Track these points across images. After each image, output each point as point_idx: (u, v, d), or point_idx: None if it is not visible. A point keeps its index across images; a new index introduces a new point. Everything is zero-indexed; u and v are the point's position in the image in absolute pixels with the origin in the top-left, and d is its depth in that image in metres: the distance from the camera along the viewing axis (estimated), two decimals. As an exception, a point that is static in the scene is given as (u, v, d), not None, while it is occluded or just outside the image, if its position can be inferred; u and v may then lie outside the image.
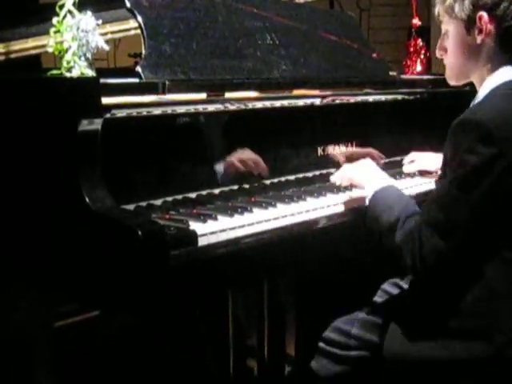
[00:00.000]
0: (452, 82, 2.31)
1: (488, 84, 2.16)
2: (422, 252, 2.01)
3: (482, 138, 1.96)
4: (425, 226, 2.03)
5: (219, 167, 2.44)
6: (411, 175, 3.01)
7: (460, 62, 2.23)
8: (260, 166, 2.57)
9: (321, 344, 2.47)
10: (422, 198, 2.64)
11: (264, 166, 2.59)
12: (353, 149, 2.97)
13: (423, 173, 2.97)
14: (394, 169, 3.12)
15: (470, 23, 2.15)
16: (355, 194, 2.51)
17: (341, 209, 2.47)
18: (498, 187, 1.96)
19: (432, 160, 2.91)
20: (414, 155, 3.03)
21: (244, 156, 2.52)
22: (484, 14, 2.12)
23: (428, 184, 2.86)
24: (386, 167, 3.09)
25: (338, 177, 2.54)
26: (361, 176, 2.42)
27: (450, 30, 2.22)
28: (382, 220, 2.18)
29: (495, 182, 1.96)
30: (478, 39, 2.15)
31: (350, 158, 2.91)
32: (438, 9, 2.25)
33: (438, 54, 2.31)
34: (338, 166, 2.87)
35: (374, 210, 2.24)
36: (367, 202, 2.29)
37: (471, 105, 2.19)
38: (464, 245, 2.00)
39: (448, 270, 2.05)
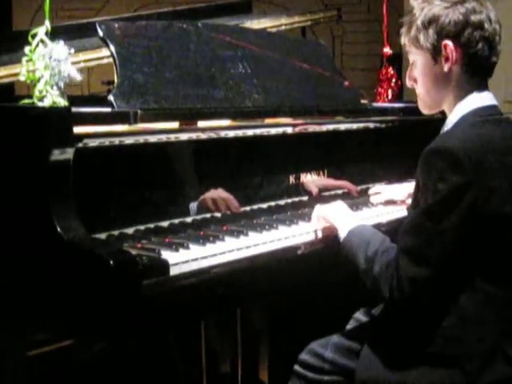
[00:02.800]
0: (425, 111, 2.30)
1: (457, 111, 2.17)
2: (400, 282, 2.02)
3: (451, 166, 1.96)
4: (401, 255, 2.04)
5: (191, 196, 2.45)
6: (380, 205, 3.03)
7: (430, 90, 2.22)
8: (232, 197, 2.57)
9: (296, 366, 2.47)
10: (393, 225, 2.67)
11: (235, 196, 2.59)
12: (325, 177, 2.98)
13: (389, 203, 2.97)
14: (366, 196, 3.14)
15: (435, 52, 2.15)
16: (324, 224, 2.51)
17: (313, 237, 2.47)
18: (468, 217, 1.97)
19: (397, 191, 2.97)
20: (379, 188, 3.06)
21: (216, 186, 2.52)
22: (449, 43, 2.12)
23: (399, 211, 2.86)
24: (357, 195, 3.12)
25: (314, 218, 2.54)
26: (334, 215, 2.43)
27: (417, 60, 2.22)
28: (359, 256, 2.19)
29: (465, 212, 1.96)
30: (446, 67, 2.14)
31: (322, 186, 2.93)
32: (403, 39, 2.25)
33: (408, 84, 2.31)
34: (309, 194, 2.89)
35: (351, 248, 2.25)
36: (342, 241, 2.31)
37: (441, 132, 2.20)
38: (438, 273, 2.01)
39: (423, 298, 2.06)
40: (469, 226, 1.98)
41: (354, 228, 2.30)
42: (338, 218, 2.41)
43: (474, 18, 2.11)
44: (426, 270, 2.00)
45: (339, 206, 2.49)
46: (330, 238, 2.44)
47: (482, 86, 2.18)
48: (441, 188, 1.97)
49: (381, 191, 3.02)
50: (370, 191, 3.06)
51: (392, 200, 2.95)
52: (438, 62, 2.16)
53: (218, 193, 2.52)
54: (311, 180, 2.91)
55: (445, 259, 2.00)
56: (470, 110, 2.14)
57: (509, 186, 2.03)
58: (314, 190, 2.92)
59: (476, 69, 2.15)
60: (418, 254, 2.01)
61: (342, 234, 2.31)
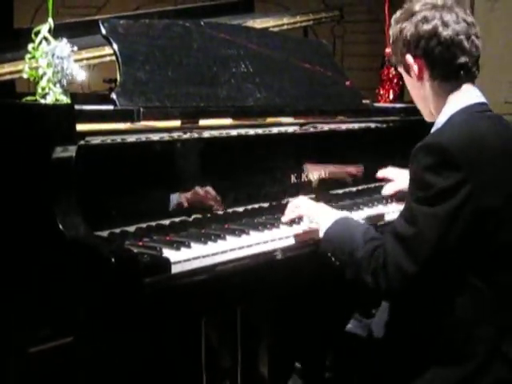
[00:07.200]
0: (428, 120, 2.33)
1: (446, 111, 2.19)
2: (386, 267, 2.02)
3: (445, 161, 1.99)
4: (391, 241, 2.04)
5: (193, 194, 2.45)
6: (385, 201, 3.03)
7: (418, 102, 2.31)
8: (233, 193, 2.58)
9: (297, 364, 2.49)
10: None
11: (236, 195, 2.60)
12: (326, 176, 2.98)
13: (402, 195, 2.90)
14: (367, 196, 3.15)
15: (406, 67, 2.23)
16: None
17: (313, 235, 2.47)
18: (462, 210, 1.98)
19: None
20: (390, 171, 3.02)
21: (218, 184, 2.53)
22: (408, 57, 2.19)
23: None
24: (359, 195, 3.13)
25: (289, 211, 2.56)
26: (315, 209, 2.45)
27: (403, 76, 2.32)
28: (343, 244, 2.20)
29: (460, 205, 1.98)
30: (416, 79, 2.21)
31: (323, 185, 2.93)
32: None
33: None
34: (311, 192, 2.89)
35: (333, 238, 2.25)
36: (323, 234, 2.30)
37: (431, 132, 2.22)
38: (429, 263, 2.00)
39: (409, 289, 2.05)
40: (461, 219, 1.99)
41: (338, 219, 2.29)
42: (318, 211, 2.43)
43: (425, 27, 2.16)
44: (414, 258, 1.99)
45: (317, 204, 2.52)
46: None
47: (462, 86, 2.20)
48: (435, 181, 1.99)
49: (393, 177, 2.98)
50: (380, 173, 3.03)
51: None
52: (410, 75, 2.24)
53: (218, 191, 2.53)
54: (312, 179, 2.91)
55: (437, 247, 1.99)
56: (457, 110, 2.16)
57: (501, 181, 2.05)
58: (315, 189, 2.93)
59: (445, 72, 2.18)
60: (410, 240, 2.00)
61: (326, 225, 2.30)
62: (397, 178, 2.95)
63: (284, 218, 2.54)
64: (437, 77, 2.18)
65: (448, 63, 2.16)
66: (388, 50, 3.61)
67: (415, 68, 2.19)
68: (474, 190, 1.98)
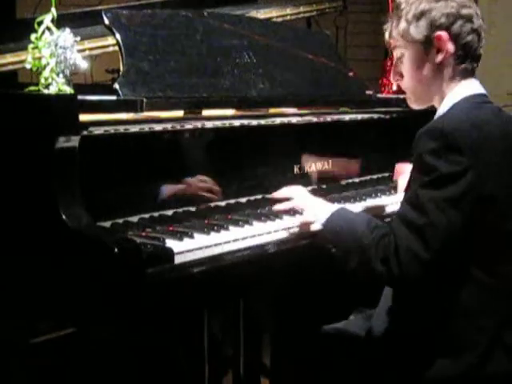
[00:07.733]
0: (414, 106, 2.34)
1: (449, 100, 2.20)
2: (398, 252, 2.01)
3: (448, 145, 1.99)
4: (400, 226, 2.04)
5: (195, 185, 2.45)
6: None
7: (420, 83, 2.25)
8: (236, 183, 2.57)
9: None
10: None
11: (239, 186, 2.60)
12: (329, 167, 2.98)
13: None
14: (370, 186, 3.14)
15: (427, 44, 2.19)
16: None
17: (316, 227, 2.47)
18: (466, 196, 1.99)
19: None
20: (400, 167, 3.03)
21: (220, 175, 2.53)
22: (442, 34, 2.16)
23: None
24: (362, 185, 3.13)
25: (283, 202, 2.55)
26: (310, 202, 2.46)
27: (406, 53, 2.25)
28: (345, 235, 2.20)
29: (464, 191, 1.99)
30: (438, 58, 2.18)
31: (326, 176, 2.93)
32: (389, 34, 2.31)
33: (393, 79, 2.38)
34: (313, 183, 2.89)
35: (334, 229, 2.26)
36: (322, 225, 2.31)
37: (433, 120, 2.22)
38: (442, 249, 1.99)
39: (419, 271, 2.02)
40: (466, 204, 1.99)
41: (336, 210, 2.30)
42: (314, 204, 2.43)
43: (464, 11, 2.17)
44: (427, 250, 1.99)
45: (313, 197, 2.53)
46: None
47: (470, 76, 2.22)
48: (440, 166, 1.99)
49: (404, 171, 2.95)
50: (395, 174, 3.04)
51: None
52: (429, 54, 2.20)
53: (221, 182, 2.53)
54: (315, 170, 2.91)
55: (446, 239, 1.99)
56: (461, 98, 2.18)
57: (502, 171, 2.06)
58: (318, 180, 2.92)
59: (466, 59, 2.20)
60: (418, 225, 2.00)
61: (324, 216, 2.30)
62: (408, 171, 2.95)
63: (277, 207, 2.56)
64: (459, 60, 2.18)
65: (473, 50, 2.19)
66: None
67: (446, 46, 2.17)
68: (476, 176, 1.98)
